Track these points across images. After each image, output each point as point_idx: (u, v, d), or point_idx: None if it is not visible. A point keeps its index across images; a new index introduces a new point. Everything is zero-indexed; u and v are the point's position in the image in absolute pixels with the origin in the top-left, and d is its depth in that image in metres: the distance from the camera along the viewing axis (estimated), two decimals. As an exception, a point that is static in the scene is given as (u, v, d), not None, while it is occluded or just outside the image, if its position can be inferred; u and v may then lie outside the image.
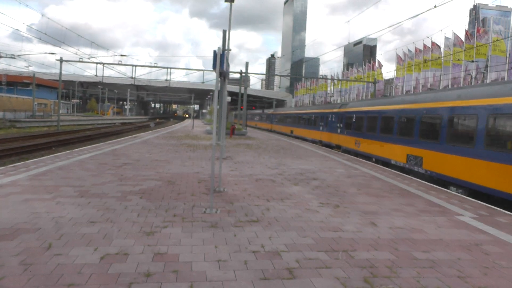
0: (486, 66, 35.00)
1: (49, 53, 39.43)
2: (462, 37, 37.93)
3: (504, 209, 8.64)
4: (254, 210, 7.41)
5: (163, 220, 6.45)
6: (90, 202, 7.37)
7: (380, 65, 54.61)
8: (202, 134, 32.91)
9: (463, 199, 9.38)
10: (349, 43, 39.66)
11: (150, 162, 13.30)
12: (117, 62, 38.51)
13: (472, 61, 35.60)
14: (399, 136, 15.31)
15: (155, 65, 40.09)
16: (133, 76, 40.19)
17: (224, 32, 14.22)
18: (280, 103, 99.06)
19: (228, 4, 26.42)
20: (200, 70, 41.54)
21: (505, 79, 32.41)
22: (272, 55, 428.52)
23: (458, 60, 37.86)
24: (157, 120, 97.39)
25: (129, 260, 4.68)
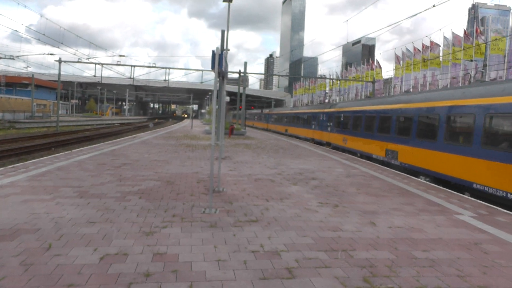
0: (485, 65, 35.05)
1: (48, 54, 39.44)
2: (461, 37, 37.97)
3: (504, 208, 8.66)
4: (253, 210, 7.42)
5: (162, 220, 6.45)
6: (89, 203, 7.36)
7: (379, 65, 54.63)
8: (201, 134, 32.91)
9: (462, 198, 9.39)
10: (347, 42, 39.70)
11: (149, 162, 13.30)
12: (115, 63, 38.50)
13: (471, 60, 35.64)
14: (379, 134, 17.17)
15: (154, 65, 40.07)
16: (132, 77, 40.17)
17: (223, 32, 14.21)
18: (279, 103, 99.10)
19: (226, 4, 26.38)
20: (199, 70, 41.57)
21: (503, 78, 32.45)
22: (271, 55, 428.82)
23: (457, 59, 37.91)
24: (156, 120, 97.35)
25: (129, 260, 4.68)
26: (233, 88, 57.30)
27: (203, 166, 12.97)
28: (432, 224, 6.90)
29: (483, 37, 35.43)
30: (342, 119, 22.76)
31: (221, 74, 8.60)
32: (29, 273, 4.20)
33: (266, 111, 58.03)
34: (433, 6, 17.38)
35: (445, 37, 40.19)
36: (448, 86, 37.36)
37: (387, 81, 59.79)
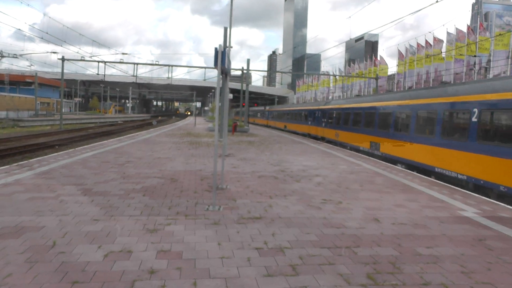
0: (489, 60, 34.85)
1: (51, 52, 39.51)
2: (465, 32, 37.74)
3: (508, 204, 8.63)
4: (257, 207, 7.43)
5: (166, 217, 6.47)
6: (93, 200, 7.39)
7: (383, 62, 54.39)
8: (204, 132, 32.93)
9: (466, 195, 9.36)
10: (350, 39, 39.59)
11: (153, 160, 13.32)
12: (118, 61, 38.49)
13: (475, 56, 35.45)
14: (365, 128, 19.43)
15: (157, 63, 40.03)
16: (135, 74, 40.19)
17: (225, 29, 14.18)
18: (282, 99, 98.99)
19: (229, 1, 26.31)
20: (202, 67, 41.57)
21: (508, 74, 32.29)
22: (274, 52, 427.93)
23: (461, 55, 37.71)
24: (159, 118, 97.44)
25: (133, 258, 4.70)
26: (236, 85, 57.34)
27: (207, 163, 12.99)
28: (435, 220, 6.89)
29: (487, 33, 35.22)
30: (334, 115, 25.22)
31: (224, 71, 8.59)
32: (34, 270, 4.23)
33: (266, 108, 60.48)
34: (436, 1, 17.23)
35: (448, 33, 39.98)
36: (452, 82, 37.18)
37: (390, 77, 59.57)
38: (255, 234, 5.77)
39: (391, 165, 14.59)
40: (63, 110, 47.39)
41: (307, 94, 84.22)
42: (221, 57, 7.50)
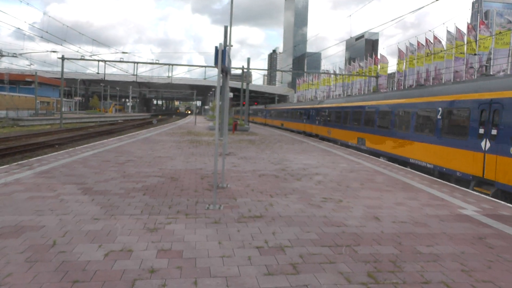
0: (489, 59, 34.80)
1: (51, 51, 39.51)
2: (465, 31, 37.68)
3: (507, 202, 8.64)
4: (257, 205, 7.42)
5: (166, 216, 6.47)
6: (93, 199, 7.39)
7: (385, 60, 54.27)
8: (205, 130, 32.93)
9: (466, 193, 9.36)
10: (351, 37, 39.51)
11: (153, 159, 13.32)
12: (119, 60, 38.47)
13: (475, 54, 35.38)
14: (353, 125, 21.46)
15: (157, 62, 40.00)
16: (135, 73, 40.16)
17: (226, 28, 14.16)
18: (282, 98, 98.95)
19: (229, -1, 26.26)
20: (202, 66, 41.51)
21: (508, 72, 32.23)
22: (274, 51, 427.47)
23: (461, 53, 37.64)
24: (160, 116, 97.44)
25: (133, 257, 4.70)
26: (236, 84, 57.31)
27: (207, 162, 12.99)
28: (436, 218, 6.89)
29: (488, 31, 35.12)
30: (326, 114, 27.42)
31: (224, 70, 8.58)
32: (34, 270, 4.23)
33: (264, 107, 62.85)
34: (437, -1, 17.18)
35: (448, 31, 39.90)
36: (452, 80, 37.14)
37: (391, 76, 59.49)
38: (256, 233, 5.77)
39: (391, 163, 14.61)
40: (63, 109, 47.40)
41: (307, 93, 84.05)
42: (222, 56, 7.50)
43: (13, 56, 41.20)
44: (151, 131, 30.66)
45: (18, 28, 32.90)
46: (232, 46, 24.62)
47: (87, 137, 29.24)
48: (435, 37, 42.22)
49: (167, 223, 6.08)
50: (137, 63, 39.40)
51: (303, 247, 5.23)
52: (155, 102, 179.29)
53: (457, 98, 12.10)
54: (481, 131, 10.64)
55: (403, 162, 14.89)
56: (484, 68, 33.16)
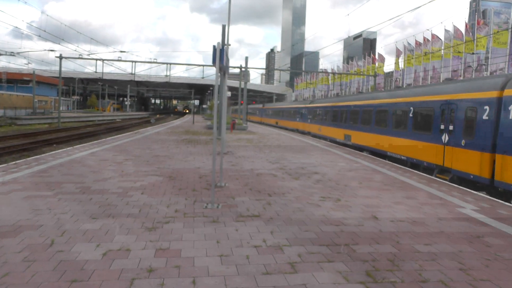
0: (486, 58, 34.86)
1: (49, 50, 39.35)
2: (462, 30, 37.73)
3: (505, 201, 8.66)
4: (256, 204, 7.42)
5: (164, 215, 6.46)
6: (91, 199, 7.38)
7: (382, 59, 54.28)
8: (203, 129, 32.90)
9: (464, 192, 9.38)
10: (349, 36, 39.71)
11: (151, 158, 13.30)
12: (117, 59, 38.41)
13: (473, 53, 35.43)
14: (340, 123, 23.60)
15: (155, 60, 39.93)
16: (133, 72, 40.08)
17: (224, 27, 14.16)
18: (280, 97, 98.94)
19: (227, -2, 26.30)
20: (200, 65, 41.41)
21: (506, 71, 32.29)
22: (272, 50, 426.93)
23: (459, 52, 37.69)
24: (158, 115, 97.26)
25: (131, 256, 4.69)
26: (234, 83, 57.27)
27: (205, 161, 12.97)
28: (434, 217, 6.90)
29: (486, 28, 35.14)
30: (317, 113, 29.70)
31: (222, 69, 8.57)
32: (32, 269, 4.22)
33: (260, 106, 65.43)
34: (434, -2, 17.18)
35: (446, 30, 39.93)
36: (451, 78, 37.13)
37: (388, 75, 59.54)
38: (254, 232, 5.76)
39: (390, 162, 14.65)
40: (61, 108, 47.29)
41: (305, 92, 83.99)
42: (220, 55, 7.49)
43: (10, 55, 41.06)
44: (149, 130, 30.62)
45: (16, 27, 32.74)
46: (230, 45, 24.59)
47: (85, 136, 29.16)
48: (433, 36, 42.26)
49: (165, 222, 6.08)
50: (135, 62, 39.32)
51: (301, 246, 5.23)
52: (153, 101, 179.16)
53: (425, 99, 14.06)
54: (442, 127, 12.57)
55: (383, 155, 16.80)
56: (481, 67, 33.22)
